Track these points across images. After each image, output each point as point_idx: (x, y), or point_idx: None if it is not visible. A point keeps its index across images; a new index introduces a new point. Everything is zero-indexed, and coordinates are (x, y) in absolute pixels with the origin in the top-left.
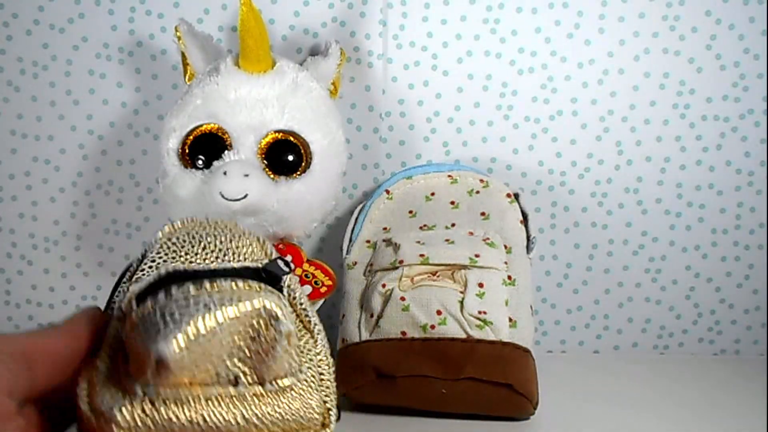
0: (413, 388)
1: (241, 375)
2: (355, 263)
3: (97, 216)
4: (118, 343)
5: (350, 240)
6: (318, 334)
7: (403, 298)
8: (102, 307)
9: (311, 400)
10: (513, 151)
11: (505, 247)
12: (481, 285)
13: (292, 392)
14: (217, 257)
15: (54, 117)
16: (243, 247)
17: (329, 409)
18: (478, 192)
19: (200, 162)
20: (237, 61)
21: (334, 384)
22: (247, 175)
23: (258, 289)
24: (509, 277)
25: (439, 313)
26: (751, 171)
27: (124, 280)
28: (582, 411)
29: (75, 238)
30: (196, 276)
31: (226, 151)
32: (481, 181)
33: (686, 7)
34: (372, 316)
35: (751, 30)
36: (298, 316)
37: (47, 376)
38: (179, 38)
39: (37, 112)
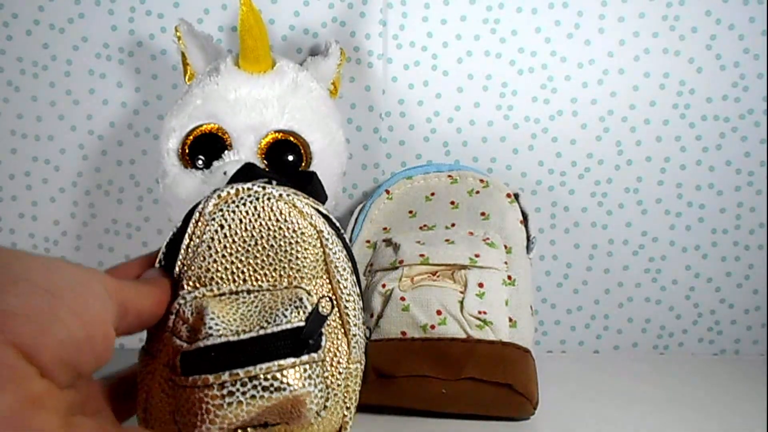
0: (413, 388)
1: (269, 421)
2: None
3: (97, 216)
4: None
5: (350, 240)
6: (354, 340)
7: (403, 298)
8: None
9: (333, 419)
10: (513, 151)
11: (505, 247)
12: (481, 285)
13: (315, 423)
14: (260, 312)
15: (54, 117)
16: (278, 276)
17: (346, 417)
18: (478, 192)
19: (200, 162)
20: (237, 61)
21: (359, 388)
22: None
23: (293, 370)
24: (509, 277)
25: (439, 313)
26: (751, 171)
27: (181, 255)
28: (582, 411)
29: (75, 238)
30: (237, 355)
31: (226, 151)
32: (481, 181)
33: (686, 7)
34: (372, 316)
35: (751, 30)
36: (342, 324)
37: (126, 328)
38: (179, 38)
39: (37, 112)
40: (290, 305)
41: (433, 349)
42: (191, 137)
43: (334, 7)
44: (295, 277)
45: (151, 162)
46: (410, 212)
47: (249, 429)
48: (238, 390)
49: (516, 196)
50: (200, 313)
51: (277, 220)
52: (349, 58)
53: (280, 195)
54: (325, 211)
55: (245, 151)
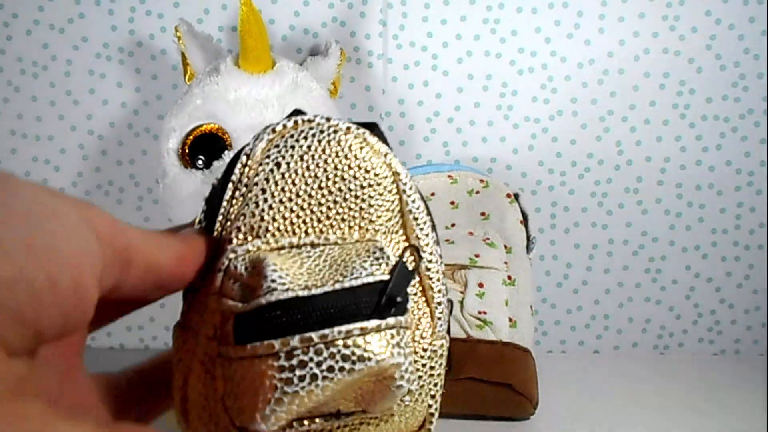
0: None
1: (343, 408)
2: None
3: None
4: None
5: None
6: (439, 310)
7: None
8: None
9: (417, 409)
10: (513, 151)
11: (505, 247)
12: (481, 285)
13: (396, 414)
14: (330, 266)
15: (54, 117)
16: (346, 227)
17: (431, 408)
18: (477, 192)
19: (200, 162)
20: (237, 61)
21: (444, 373)
22: None
23: (379, 335)
24: (509, 277)
25: None
26: (751, 171)
27: (228, 191)
28: (582, 411)
29: None
30: (309, 314)
31: (226, 151)
32: (481, 181)
33: (686, 7)
34: None
35: (751, 30)
36: (423, 290)
37: (133, 287)
38: (179, 38)
39: (37, 112)
40: (369, 256)
41: None
42: (191, 137)
43: (334, 7)
44: (368, 229)
45: (151, 162)
46: None
47: (317, 420)
48: (311, 360)
49: (516, 196)
50: (257, 267)
51: (346, 157)
52: (349, 58)
53: (348, 128)
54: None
55: None
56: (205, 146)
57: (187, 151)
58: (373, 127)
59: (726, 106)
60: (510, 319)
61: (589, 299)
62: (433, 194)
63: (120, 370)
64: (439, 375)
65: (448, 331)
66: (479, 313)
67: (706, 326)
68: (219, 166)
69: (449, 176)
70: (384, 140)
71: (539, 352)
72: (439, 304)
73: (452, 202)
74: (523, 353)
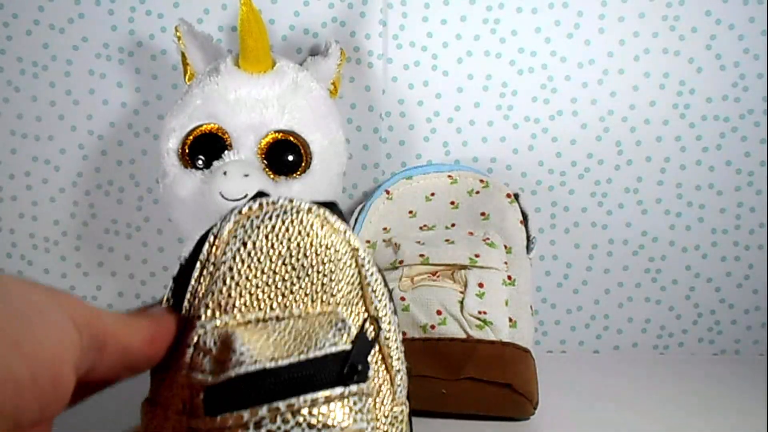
0: (413, 388)
1: None
2: None
3: (97, 216)
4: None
5: None
6: (399, 377)
7: (402, 298)
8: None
9: None
10: (513, 151)
11: (505, 247)
12: (481, 285)
13: None
14: (295, 338)
15: (54, 117)
16: (309, 301)
17: None
18: (477, 192)
19: (200, 162)
20: (237, 61)
21: (409, 425)
22: (247, 175)
23: (342, 402)
24: (509, 277)
25: (439, 313)
26: (751, 171)
27: (194, 278)
28: (582, 411)
29: (75, 238)
30: (276, 385)
31: (226, 151)
32: (481, 181)
33: (686, 7)
34: None
35: (751, 30)
36: (383, 359)
37: (106, 369)
38: (179, 38)
39: (37, 112)
40: (332, 327)
41: (433, 349)
42: (191, 137)
43: (334, 7)
44: (329, 302)
45: (151, 162)
46: (410, 212)
47: None
48: (279, 429)
49: (516, 196)
50: (226, 341)
51: (308, 235)
52: (349, 58)
53: (310, 209)
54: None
55: (245, 151)
56: (205, 146)
57: (187, 151)
58: (332, 206)
59: (726, 106)
60: (510, 319)
61: (589, 299)
62: (433, 194)
63: None
64: (401, 426)
65: (408, 398)
66: (479, 313)
67: (706, 326)
68: (219, 166)
69: (449, 176)
70: (342, 218)
71: (539, 352)
72: (398, 371)
73: (452, 202)
74: (523, 353)
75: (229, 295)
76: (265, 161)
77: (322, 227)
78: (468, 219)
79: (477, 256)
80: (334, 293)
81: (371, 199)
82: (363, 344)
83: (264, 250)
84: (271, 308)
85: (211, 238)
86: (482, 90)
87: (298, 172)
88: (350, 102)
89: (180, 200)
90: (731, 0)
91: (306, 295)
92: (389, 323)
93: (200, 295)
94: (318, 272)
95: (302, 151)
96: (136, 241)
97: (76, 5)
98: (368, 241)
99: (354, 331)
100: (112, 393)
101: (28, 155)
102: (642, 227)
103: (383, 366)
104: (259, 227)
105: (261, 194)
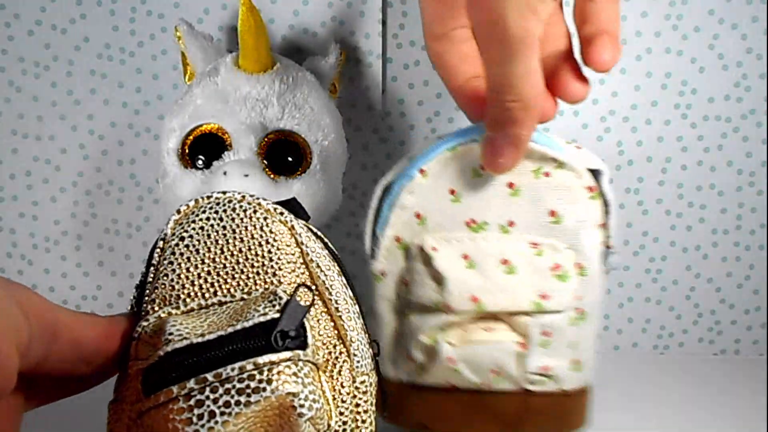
0: None
1: None
2: (384, 273)
3: (98, 216)
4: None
5: (373, 236)
6: (354, 347)
7: (451, 359)
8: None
9: None
10: None
11: (579, 267)
12: (546, 333)
13: None
14: (229, 316)
15: (55, 117)
16: (252, 284)
17: None
18: (547, 174)
19: (200, 162)
20: (237, 61)
21: (373, 408)
22: (246, 176)
23: (273, 368)
24: (579, 311)
25: (494, 372)
26: (752, 171)
27: (149, 279)
28: None
29: (75, 238)
30: (203, 358)
31: (226, 151)
32: (555, 160)
33: (689, 7)
34: (412, 360)
35: (754, 30)
36: (336, 330)
37: (60, 359)
38: (179, 38)
39: (39, 112)
40: (263, 301)
41: (484, 403)
42: (191, 137)
43: (333, 7)
44: (272, 282)
45: (151, 162)
46: (452, 192)
47: None
48: (207, 398)
49: (596, 176)
50: (161, 327)
51: (242, 221)
52: (348, 58)
53: (243, 197)
54: (301, 225)
55: (245, 151)
56: (205, 146)
57: (187, 151)
58: (289, 201)
59: (728, 106)
60: (575, 361)
61: None
62: (483, 168)
63: None
64: (366, 411)
65: (376, 369)
66: (541, 368)
67: (706, 326)
68: (219, 166)
69: None
70: (297, 212)
71: None
72: (353, 341)
73: (510, 185)
74: (583, 392)
75: (173, 288)
76: (265, 161)
77: (255, 212)
78: (531, 217)
79: (544, 297)
80: (275, 272)
81: (399, 180)
82: (294, 310)
83: (201, 241)
84: (215, 294)
85: (160, 243)
86: None
87: (298, 173)
88: (350, 102)
89: (180, 200)
90: None
91: (248, 278)
92: (338, 295)
93: (150, 292)
94: (257, 255)
95: (302, 151)
96: (136, 241)
97: (78, 6)
98: (398, 240)
99: (285, 299)
100: (101, 397)
101: (29, 155)
102: (642, 227)
103: (338, 339)
104: (194, 221)
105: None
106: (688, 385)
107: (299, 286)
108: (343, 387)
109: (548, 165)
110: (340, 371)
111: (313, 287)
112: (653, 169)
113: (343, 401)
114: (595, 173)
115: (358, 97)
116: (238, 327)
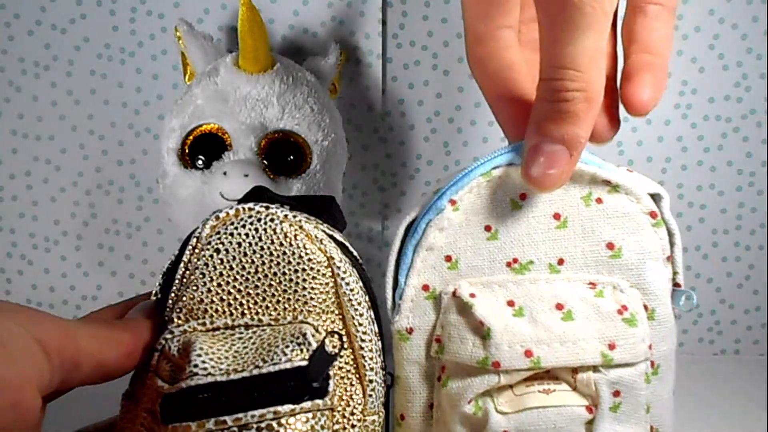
0: None
1: None
2: (411, 330)
3: (98, 216)
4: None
5: (395, 286)
6: (371, 387)
7: None
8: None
9: None
10: None
11: (645, 308)
12: (617, 393)
13: None
14: (255, 349)
15: (55, 117)
16: (281, 309)
17: None
18: (599, 201)
19: (200, 162)
20: (237, 61)
21: None
22: (246, 176)
23: (291, 419)
24: (652, 365)
25: None
26: (752, 171)
27: (175, 283)
28: None
29: (75, 238)
30: (225, 398)
31: (225, 152)
32: (607, 182)
33: (689, 6)
34: None
35: (754, 30)
36: (357, 368)
37: (81, 382)
38: (179, 38)
39: (38, 112)
40: (291, 341)
41: None
42: (191, 137)
43: (333, 6)
44: (302, 311)
45: (151, 162)
46: (488, 229)
47: None
48: None
49: (657, 200)
50: (187, 349)
51: (281, 244)
52: (349, 58)
53: (285, 216)
54: (340, 238)
55: (245, 151)
56: (205, 146)
57: (187, 151)
58: (329, 203)
59: (728, 106)
60: (652, 429)
61: None
62: (523, 197)
63: (76, 430)
64: None
65: (386, 406)
66: None
67: (706, 326)
68: (219, 166)
69: None
70: (336, 218)
71: None
72: (371, 381)
73: (556, 216)
74: None
75: (201, 301)
76: (265, 161)
77: (296, 236)
78: (585, 253)
79: (612, 347)
80: (306, 301)
81: (425, 214)
82: (321, 360)
83: (236, 257)
84: (242, 315)
85: (194, 241)
86: None
87: (298, 172)
88: (350, 102)
89: (180, 200)
90: None
91: (278, 302)
92: (365, 332)
93: (178, 296)
94: (290, 281)
95: (302, 151)
96: (136, 241)
97: (78, 6)
98: (427, 288)
99: (314, 346)
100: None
101: (29, 155)
102: None
103: (356, 376)
104: (232, 234)
105: (260, 189)
106: (688, 385)
107: (330, 333)
108: (354, 427)
109: (600, 189)
110: (353, 412)
111: (342, 332)
112: (653, 169)
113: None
114: (654, 198)
115: (358, 97)
116: (264, 371)
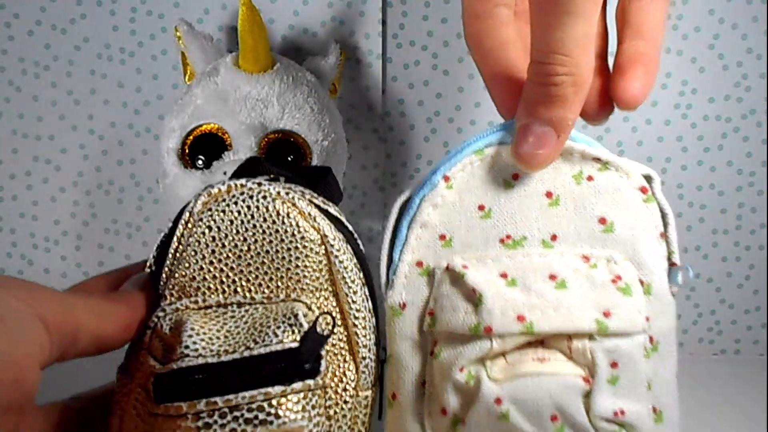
0: None
1: None
2: (404, 305)
3: (98, 216)
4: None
5: (389, 263)
6: (364, 364)
7: (499, 400)
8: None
9: None
10: None
11: (641, 283)
12: (614, 365)
13: None
14: (247, 330)
15: (55, 117)
16: (274, 287)
17: None
18: (591, 178)
19: (200, 162)
20: (237, 61)
21: (368, 421)
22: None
23: (282, 400)
24: (651, 340)
25: (554, 419)
26: (752, 171)
27: (168, 258)
28: None
29: (75, 238)
30: (216, 380)
31: (225, 151)
32: (597, 160)
33: (689, 6)
34: (444, 413)
35: (754, 29)
36: (350, 344)
37: (79, 354)
38: (179, 38)
39: (38, 112)
40: (283, 322)
41: None
42: (191, 137)
43: (333, 6)
44: (294, 289)
45: (151, 162)
46: (481, 208)
47: None
48: (216, 422)
49: (651, 185)
50: (179, 328)
51: (274, 222)
52: (349, 58)
53: (278, 193)
54: (335, 213)
55: (245, 151)
56: (205, 146)
57: (187, 151)
58: (325, 174)
59: (728, 106)
60: (654, 409)
61: None
62: (516, 177)
63: (71, 397)
64: (363, 423)
65: (380, 380)
66: (615, 414)
67: (706, 326)
68: (219, 166)
69: None
70: (332, 190)
71: None
72: (364, 358)
73: (548, 194)
74: None
75: (193, 278)
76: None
77: (288, 214)
78: (578, 229)
79: (607, 314)
80: (299, 279)
81: (420, 190)
82: (313, 341)
83: (229, 235)
84: (235, 292)
85: (186, 215)
86: (483, 90)
87: None
88: (350, 102)
89: (180, 200)
90: None
91: (270, 280)
92: (358, 310)
93: (171, 272)
94: (283, 258)
95: (302, 151)
96: (136, 241)
97: (78, 6)
98: (420, 264)
99: (306, 327)
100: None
101: (29, 155)
102: None
103: (349, 353)
104: (224, 211)
105: (254, 160)
106: (688, 385)
107: (322, 314)
108: (346, 403)
109: (590, 167)
110: (345, 388)
111: (336, 310)
112: (653, 169)
113: (344, 416)
114: (646, 180)
115: (358, 97)
116: (255, 353)
